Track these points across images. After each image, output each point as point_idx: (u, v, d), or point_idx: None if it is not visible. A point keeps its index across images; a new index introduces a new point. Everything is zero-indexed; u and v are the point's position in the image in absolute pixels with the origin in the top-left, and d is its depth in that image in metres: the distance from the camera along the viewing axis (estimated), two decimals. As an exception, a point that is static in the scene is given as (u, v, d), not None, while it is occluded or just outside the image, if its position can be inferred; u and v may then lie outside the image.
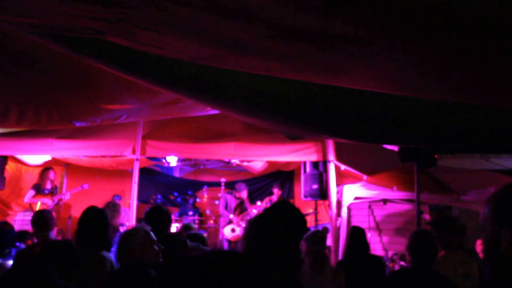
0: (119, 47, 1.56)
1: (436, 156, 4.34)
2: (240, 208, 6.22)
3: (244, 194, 6.18)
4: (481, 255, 4.17)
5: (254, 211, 6.05)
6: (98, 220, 2.52)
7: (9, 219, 6.40)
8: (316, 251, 2.67)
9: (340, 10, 0.92)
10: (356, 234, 3.38)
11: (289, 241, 1.34)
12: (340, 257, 4.93)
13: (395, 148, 4.26)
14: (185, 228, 4.12)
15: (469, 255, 3.11)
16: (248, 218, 5.99)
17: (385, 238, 5.80)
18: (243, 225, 6.01)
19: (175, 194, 7.47)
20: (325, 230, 3.29)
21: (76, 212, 6.66)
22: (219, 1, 0.98)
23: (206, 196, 6.88)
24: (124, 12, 1.17)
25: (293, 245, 1.35)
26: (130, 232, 2.09)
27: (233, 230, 6.01)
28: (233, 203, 6.25)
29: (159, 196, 7.45)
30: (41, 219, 3.00)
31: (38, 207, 5.81)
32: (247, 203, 6.19)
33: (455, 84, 1.53)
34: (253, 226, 1.41)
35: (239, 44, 1.30)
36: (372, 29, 1.01)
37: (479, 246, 4.26)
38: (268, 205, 6.03)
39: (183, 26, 1.23)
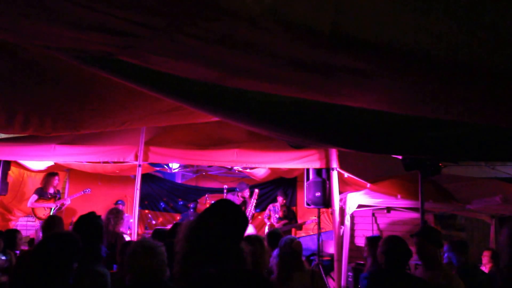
0: (125, 61, 1.57)
1: (440, 164, 4.31)
2: (244, 208, 6.19)
3: (246, 193, 6.15)
4: (486, 266, 4.11)
5: (252, 206, 6.02)
6: (92, 229, 2.36)
7: (11, 224, 6.41)
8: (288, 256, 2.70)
9: (344, 46, 0.94)
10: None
11: (226, 238, 1.33)
12: (343, 266, 4.87)
13: (399, 156, 4.23)
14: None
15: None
16: (248, 215, 5.94)
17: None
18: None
19: (177, 200, 7.45)
20: (298, 244, 3.08)
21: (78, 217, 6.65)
22: (229, 36, 1.00)
23: (208, 202, 6.85)
24: (137, 41, 1.19)
25: (231, 243, 1.34)
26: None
27: None
28: (236, 203, 6.22)
29: (161, 202, 7.44)
30: (51, 223, 3.03)
31: (52, 211, 5.83)
32: (249, 203, 6.16)
33: (456, 109, 1.54)
34: (192, 226, 1.40)
35: (246, 70, 1.31)
36: (374, 63, 1.03)
37: (485, 257, 4.20)
38: (272, 212, 5.99)
39: (192, 54, 1.25)
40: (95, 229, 2.39)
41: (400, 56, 0.94)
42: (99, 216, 2.60)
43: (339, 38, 0.89)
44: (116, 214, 4.08)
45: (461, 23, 0.78)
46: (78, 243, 1.97)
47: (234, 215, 1.41)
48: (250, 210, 6.03)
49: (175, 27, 1.01)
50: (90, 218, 2.46)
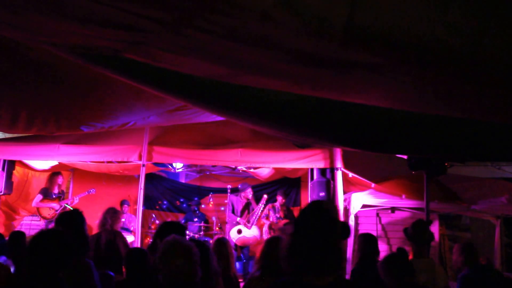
0: (131, 60, 1.56)
1: (446, 164, 4.27)
2: (248, 209, 6.16)
3: (249, 193, 6.11)
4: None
5: (259, 210, 5.98)
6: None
7: (16, 224, 6.43)
8: None
9: (359, 40, 0.92)
10: (368, 242, 3.34)
11: (322, 240, 1.29)
12: (348, 265, 4.85)
13: (404, 156, 4.20)
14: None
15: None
16: (254, 217, 5.92)
17: (393, 247, 5.70)
18: (249, 225, 5.93)
19: (181, 200, 7.45)
20: None
21: (82, 217, 6.65)
22: (239, 30, 0.98)
23: (211, 202, 6.84)
24: (144, 36, 1.17)
25: (327, 245, 1.29)
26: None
27: (239, 232, 5.93)
28: (239, 205, 6.19)
29: (165, 202, 7.43)
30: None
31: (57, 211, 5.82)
32: (253, 204, 6.13)
33: (465, 105, 1.52)
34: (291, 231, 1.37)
35: (256, 66, 1.30)
36: (389, 57, 1.01)
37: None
38: (271, 212, 5.96)
39: (201, 49, 1.24)
40: (78, 224, 2.47)
41: (416, 50, 0.92)
42: (81, 213, 2.71)
43: (354, 31, 0.87)
44: (113, 213, 4.20)
45: (480, 16, 0.76)
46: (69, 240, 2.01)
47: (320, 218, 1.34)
48: (257, 213, 6.00)
49: (185, 21, 1.00)
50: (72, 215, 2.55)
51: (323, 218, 1.32)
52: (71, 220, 2.50)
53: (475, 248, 3.28)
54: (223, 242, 3.22)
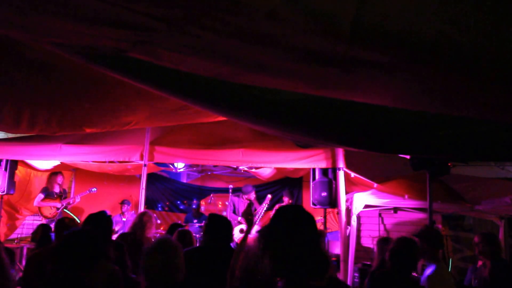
0: (134, 59, 1.55)
1: (449, 164, 4.24)
2: (249, 210, 6.15)
3: (252, 195, 6.11)
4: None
5: (263, 210, 5.97)
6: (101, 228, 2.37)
7: (18, 223, 6.45)
8: None
9: (365, 38, 0.91)
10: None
11: (300, 244, 1.30)
12: (350, 267, 4.82)
13: (407, 155, 4.18)
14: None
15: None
16: (256, 218, 5.90)
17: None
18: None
19: (182, 200, 7.45)
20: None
21: (85, 216, 6.65)
22: (245, 28, 0.97)
23: (213, 202, 6.84)
24: (150, 35, 1.17)
25: (305, 249, 1.31)
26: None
27: (241, 231, 5.92)
28: (241, 206, 6.18)
29: (166, 202, 7.43)
30: (64, 226, 3.04)
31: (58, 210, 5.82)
32: (256, 204, 6.12)
33: (471, 104, 1.50)
34: (264, 233, 1.38)
35: (262, 65, 1.29)
36: (396, 56, 1.00)
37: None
38: None
39: (206, 48, 1.23)
40: (104, 228, 2.39)
41: (423, 48, 0.91)
42: (110, 216, 2.62)
43: (361, 30, 0.85)
44: (150, 218, 3.96)
45: (489, 14, 0.74)
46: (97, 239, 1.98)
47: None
48: (260, 213, 5.99)
49: (191, 20, 0.99)
50: (99, 217, 2.47)
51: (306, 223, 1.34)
52: (99, 221, 2.42)
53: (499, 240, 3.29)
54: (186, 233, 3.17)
